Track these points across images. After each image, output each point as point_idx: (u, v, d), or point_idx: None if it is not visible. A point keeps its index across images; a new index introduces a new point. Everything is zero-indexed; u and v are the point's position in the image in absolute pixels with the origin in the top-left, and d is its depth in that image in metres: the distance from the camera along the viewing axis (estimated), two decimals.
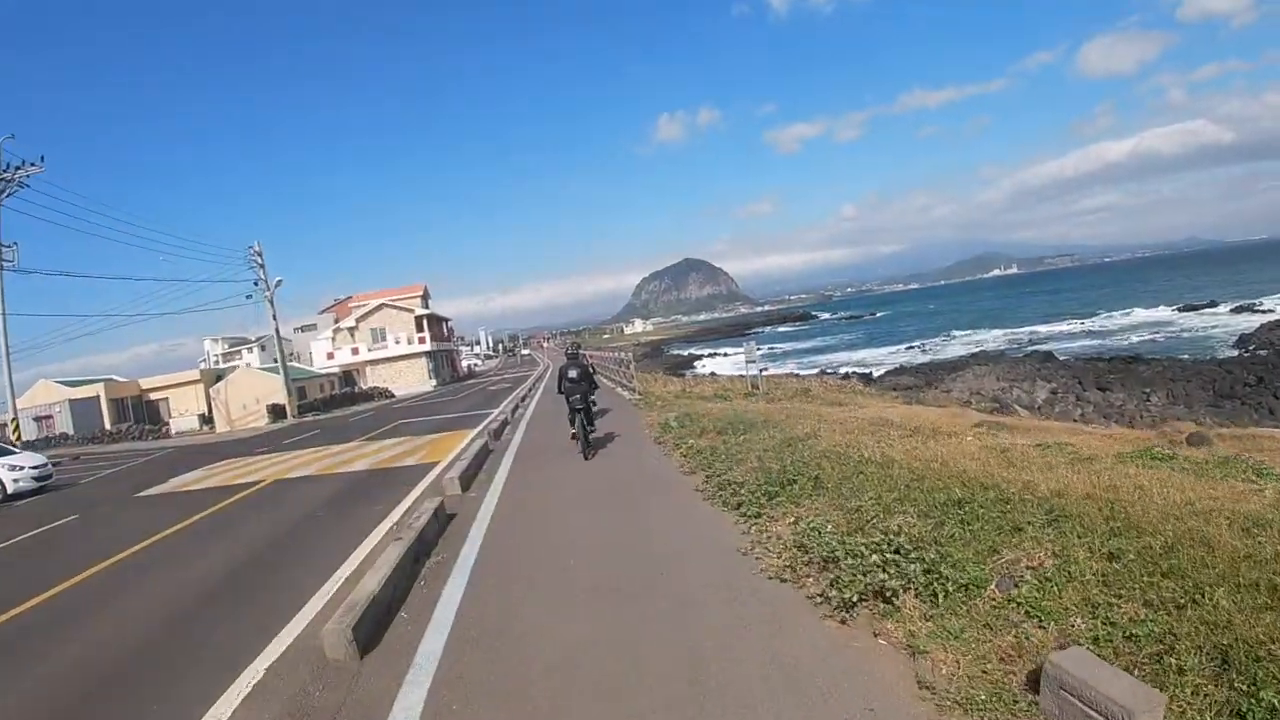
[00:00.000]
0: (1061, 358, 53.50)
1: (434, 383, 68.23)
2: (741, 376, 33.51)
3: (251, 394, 44.39)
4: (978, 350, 69.29)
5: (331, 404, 50.99)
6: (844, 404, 21.81)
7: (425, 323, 71.71)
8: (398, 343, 69.56)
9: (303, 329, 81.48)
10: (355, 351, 69.44)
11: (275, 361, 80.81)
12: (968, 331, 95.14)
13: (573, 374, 14.26)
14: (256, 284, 43.65)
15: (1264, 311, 69.55)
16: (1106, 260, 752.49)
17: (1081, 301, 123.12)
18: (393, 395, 59.14)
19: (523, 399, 31.53)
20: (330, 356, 69.38)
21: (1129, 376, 39.25)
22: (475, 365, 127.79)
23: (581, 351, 18.49)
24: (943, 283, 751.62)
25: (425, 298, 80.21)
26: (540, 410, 25.39)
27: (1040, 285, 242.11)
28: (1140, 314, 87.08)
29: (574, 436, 14.28)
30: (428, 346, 69.63)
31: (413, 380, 67.71)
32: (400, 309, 71.97)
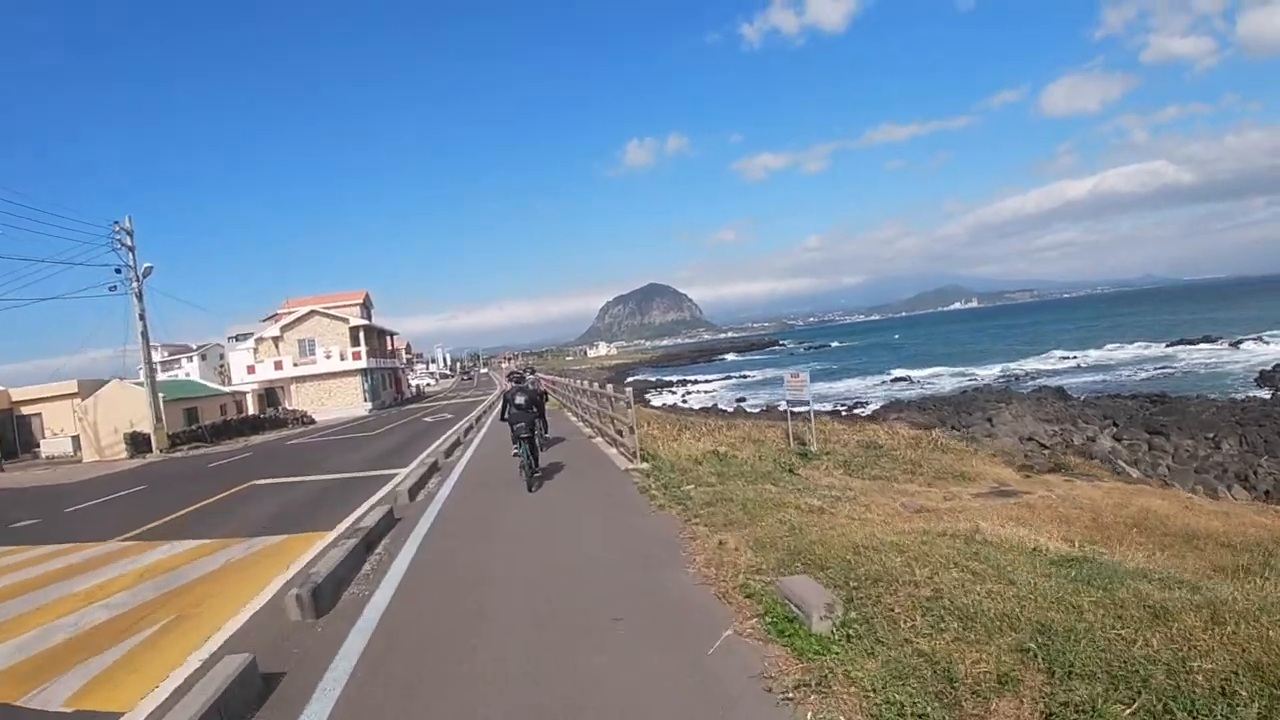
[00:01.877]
0: (1076, 395, 49.62)
1: (369, 405, 60.20)
2: (733, 410, 26.85)
3: (125, 415, 35.51)
4: (970, 384, 66.91)
5: (224, 432, 42.03)
6: (967, 475, 14.65)
7: (362, 335, 63.35)
8: (328, 357, 60.56)
9: (238, 338, 72.50)
10: (279, 366, 60.29)
11: (217, 373, 72.73)
12: (949, 366, 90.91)
13: (519, 400, 13.67)
14: (120, 270, 35.13)
15: (1266, 344, 70.81)
16: (1066, 296, 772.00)
17: (1061, 335, 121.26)
18: (313, 421, 51.11)
19: (466, 432, 25.56)
20: (251, 370, 60.61)
21: (1178, 418, 34.95)
22: (428, 385, 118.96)
23: (532, 376, 18.15)
24: (904, 314, 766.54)
25: (366, 306, 71.89)
26: (483, 453, 19.44)
27: (1006, 319, 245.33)
28: (1133, 349, 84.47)
29: (521, 468, 13.52)
30: (363, 363, 60.87)
31: (344, 401, 59.55)
32: (333, 317, 62.60)
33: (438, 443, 23.71)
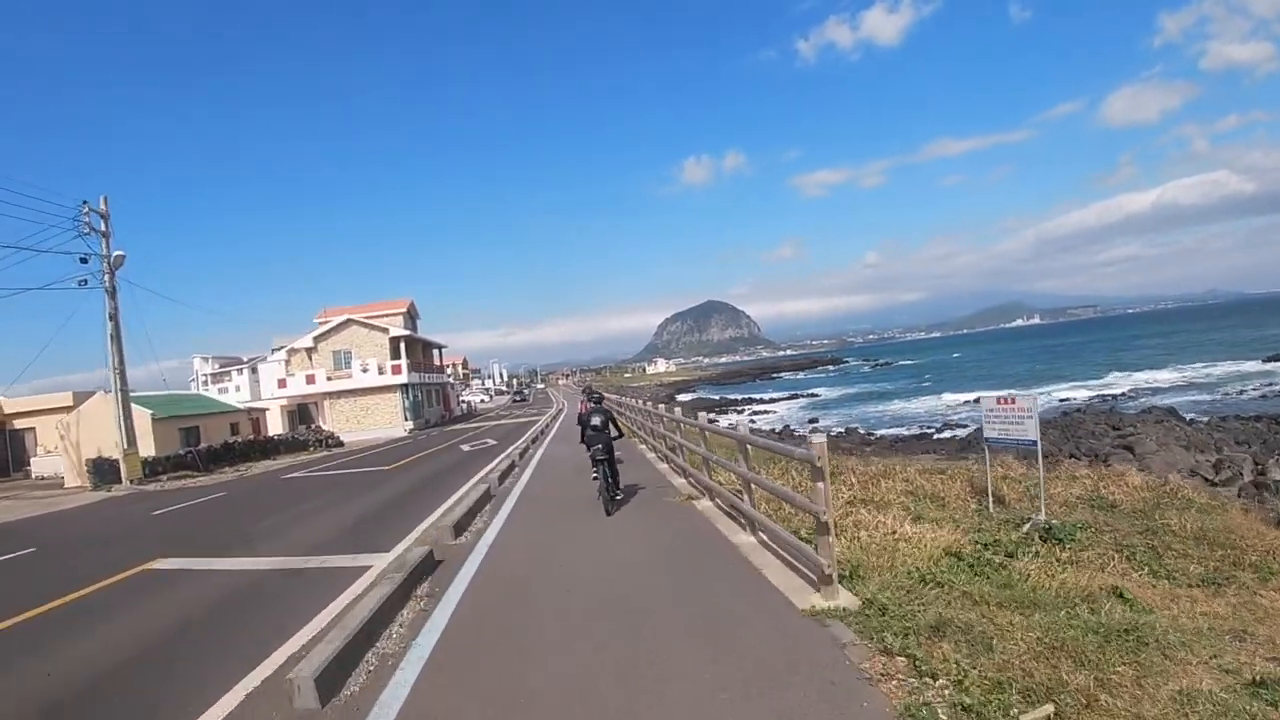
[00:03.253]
0: (1190, 416, 42.86)
1: (410, 425, 54.59)
2: (807, 430, 20.74)
3: (111, 433, 30.52)
4: (1062, 404, 60.08)
5: (224, 456, 35.31)
6: None
7: (403, 347, 57.65)
8: (365, 370, 55.01)
9: (284, 350, 68.05)
10: (310, 380, 54.84)
11: (258, 385, 68.10)
12: (1029, 385, 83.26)
13: (595, 422, 13.12)
14: (87, 259, 29.07)
15: None
16: (1130, 311, 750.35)
17: (1137, 353, 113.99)
18: (340, 443, 45.22)
19: (505, 475, 19.24)
20: (282, 385, 55.59)
21: None
22: (482, 402, 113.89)
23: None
24: (965, 331, 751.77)
25: (412, 317, 66.22)
26: (530, 518, 13.07)
27: (1074, 335, 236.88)
28: (1226, 366, 77.29)
29: (599, 492, 12.89)
30: (403, 378, 55.07)
31: (383, 420, 54.26)
32: (372, 327, 57.78)
33: (463, 490, 17.91)
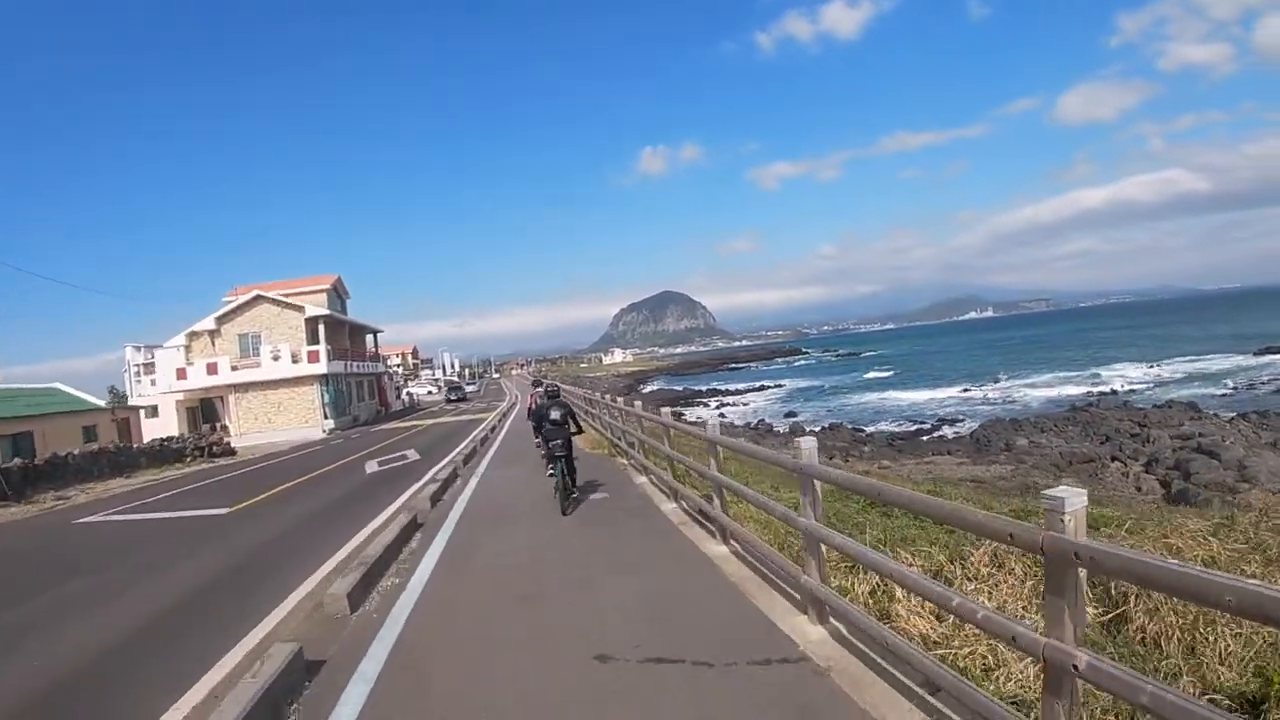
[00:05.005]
0: (1213, 410, 40.70)
1: (331, 424, 46.10)
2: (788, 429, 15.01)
3: None
4: (1058, 398, 58.17)
5: (51, 476, 25.34)
6: None
7: (323, 329, 48.17)
8: (276, 358, 45.73)
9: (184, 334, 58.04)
10: (212, 369, 45.45)
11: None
12: (1018, 375, 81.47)
13: (554, 415, 12.86)
14: None
15: None
16: (1082, 305, 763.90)
17: (1109, 344, 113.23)
18: (233, 451, 36.17)
19: (398, 539, 11.35)
20: (182, 375, 46.07)
21: None
22: (428, 394, 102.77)
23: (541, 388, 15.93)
24: (919, 323, 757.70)
25: (338, 295, 57.08)
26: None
27: (1031, 328, 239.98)
28: (1223, 360, 74.38)
29: (556, 489, 12.51)
30: (321, 367, 45.73)
31: (297, 417, 45.67)
32: (285, 305, 48.30)
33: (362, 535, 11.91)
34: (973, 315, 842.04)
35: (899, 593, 5.97)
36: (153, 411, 47.86)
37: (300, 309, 47.78)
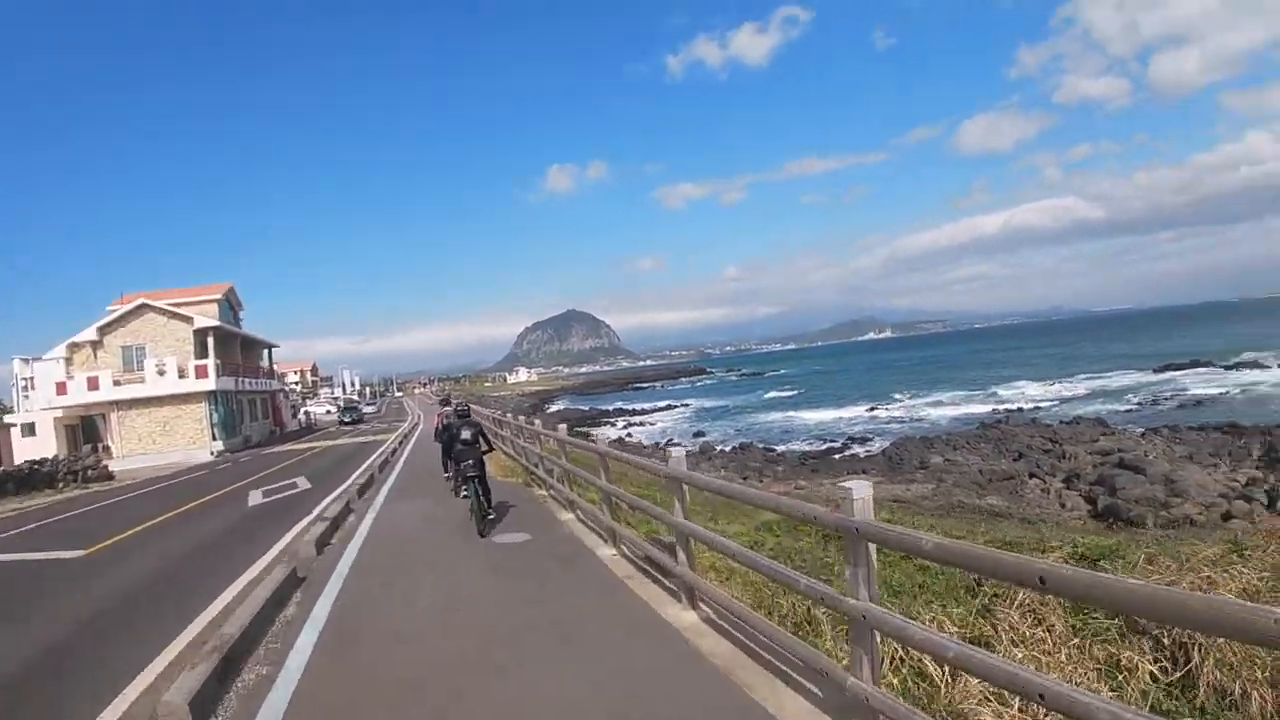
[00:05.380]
0: (1119, 425, 41.75)
1: (220, 445, 42.89)
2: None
3: None
4: (965, 415, 59.64)
5: None
6: None
7: (212, 341, 44.95)
8: (162, 372, 42.42)
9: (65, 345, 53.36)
10: (93, 384, 41.81)
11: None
12: (921, 394, 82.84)
13: (466, 435, 12.90)
14: None
15: (1267, 368, 68.69)
16: (977, 326, 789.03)
17: (1007, 363, 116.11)
18: (110, 475, 33.16)
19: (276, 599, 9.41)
20: (62, 390, 42.27)
21: None
22: (326, 413, 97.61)
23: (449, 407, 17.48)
24: (820, 344, 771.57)
25: (231, 306, 53.93)
26: None
27: (930, 348, 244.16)
28: (1130, 376, 76.77)
29: (470, 511, 12.38)
30: (210, 383, 42.62)
31: (185, 438, 42.58)
32: (173, 315, 45.02)
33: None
34: (872, 336, 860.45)
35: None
36: (29, 430, 43.90)
37: (189, 320, 44.72)
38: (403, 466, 24.75)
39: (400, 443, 34.55)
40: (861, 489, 4.25)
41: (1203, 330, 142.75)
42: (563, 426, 13.43)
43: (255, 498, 20.69)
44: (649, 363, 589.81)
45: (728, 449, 48.21)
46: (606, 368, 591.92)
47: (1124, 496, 22.60)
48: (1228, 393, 56.10)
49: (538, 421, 18.53)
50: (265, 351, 61.43)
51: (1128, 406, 55.33)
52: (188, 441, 42.15)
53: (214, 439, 42.97)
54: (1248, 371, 68.12)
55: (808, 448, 48.81)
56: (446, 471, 17.53)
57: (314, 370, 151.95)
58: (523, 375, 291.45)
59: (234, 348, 50.81)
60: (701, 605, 7.06)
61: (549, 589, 8.46)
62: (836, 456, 42.57)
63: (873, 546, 4.21)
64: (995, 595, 5.92)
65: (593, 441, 11.64)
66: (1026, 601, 5.45)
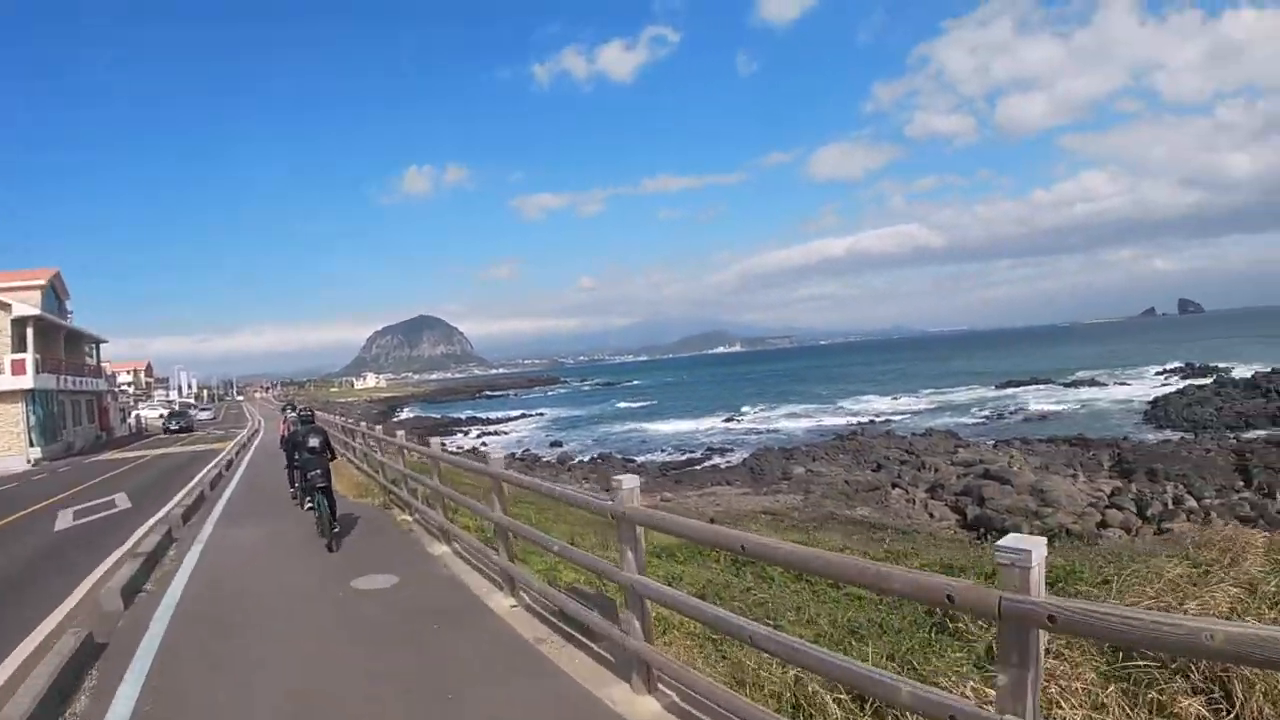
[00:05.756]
0: (969, 437, 44.14)
1: (38, 453, 38.21)
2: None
3: None
4: (820, 426, 61.74)
5: None
6: None
7: (32, 333, 38.94)
8: None
9: None
10: None
11: None
12: (772, 406, 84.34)
13: (313, 443, 12.11)
14: None
15: (1104, 385, 73.86)
16: (822, 343, 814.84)
17: (853, 379, 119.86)
18: None
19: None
20: None
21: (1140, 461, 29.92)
22: (159, 418, 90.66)
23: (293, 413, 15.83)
24: (672, 355, 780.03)
25: (55, 294, 48.48)
26: None
27: (778, 362, 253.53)
28: (975, 391, 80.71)
29: (317, 523, 11.80)
30: (28, 380, 37.90)
31: None
32: None
33: None
34: (722, 349, 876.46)
35: None
36: None
37: (6, 307, 39.52)
38: (240, 481, 21.98)
39: (238, 452, 31.64)
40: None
41: (1037, 351, 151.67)
42: (435, 439, 11.88)
43: (64, 519, 17.39)
44: (502, 371, 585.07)
45: (586, 459, 47.77)
46: (459, 375, 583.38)
47: (993, 506, 23.11)
48: (1069, 408, 59.05)
49: (400, 433, 15.50)
50: (93, 347, 56.43)
51: (975, 420, 57.63)
52: (1, 447, 38.00)
53: (31, 445, 38.52)
54: (1086, 389, 72.23)
55: (667, 458, 49.07)
56: (293, 486, 15.53)
57: (149, 370, 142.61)
58: (371, 381, 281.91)
59: (57, 342, 45.84)
60: (661, 687, 5.37)
61: (437, 665, 6.34)
62: (698, 467, 42.79)
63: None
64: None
65: (481, 460, 8.90)
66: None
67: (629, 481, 5.25)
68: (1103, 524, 20.65)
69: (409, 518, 13.41)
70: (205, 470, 24.90)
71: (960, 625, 5.69)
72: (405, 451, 14.31)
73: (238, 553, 11.65)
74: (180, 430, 60.14)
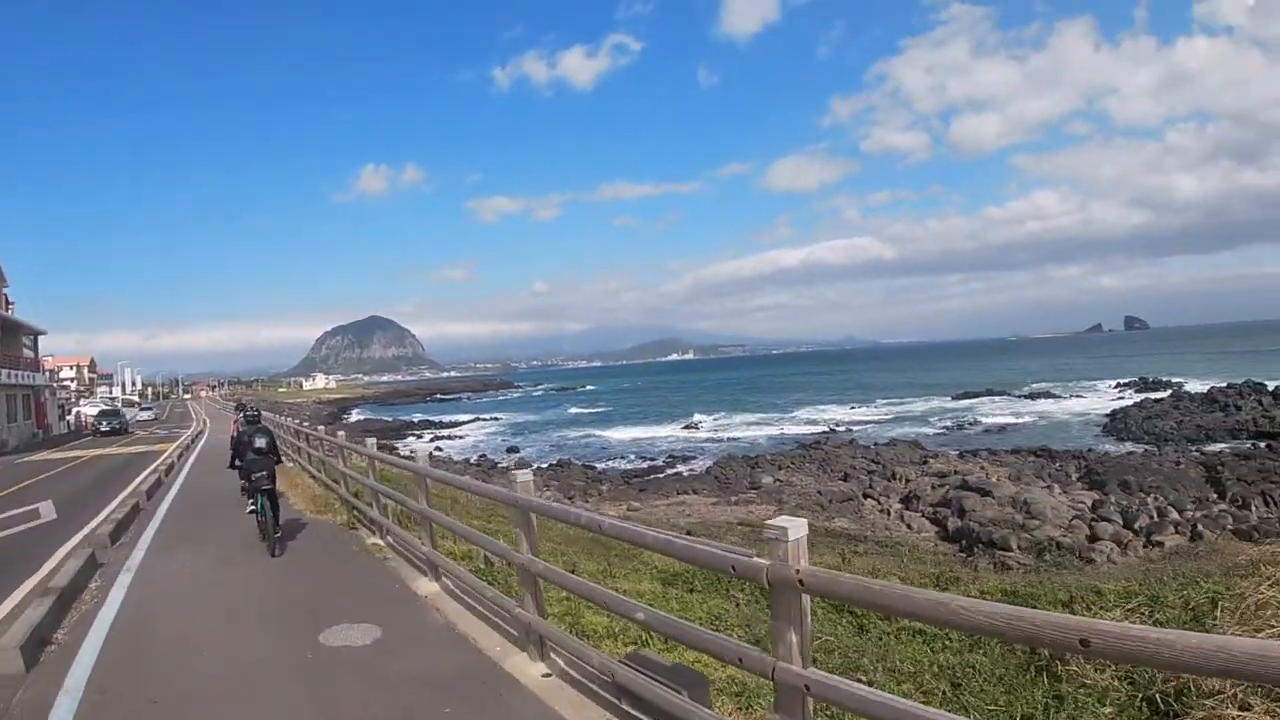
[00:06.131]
0: (934, 448, 43.64)
1: None
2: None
3: None
4: (781, 435, 61.24)
5: None
6: None
7: None
8: None
9: None
10: None
11: None
12: (730, 413, 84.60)
13: (260, 444, 11.74)
14: None
15: (1058, 397, 74.76)
16: (775, 352, 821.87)
17: (809, 388, 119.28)
18: None
19: None
20: None
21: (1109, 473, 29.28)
22: (96, 416, 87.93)
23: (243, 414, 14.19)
24: (625, 362, 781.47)
25: None
26: None
27: (731, 370, 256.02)
28: (932, 401, 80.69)
29: (260, 526, 11.29)
30: None
31: None
32: None
33: None
34: (675, 357, 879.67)
35: None
36: None
37: None
38: (180, 490, 19.35)
39: (180, 455, 29.84)
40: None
41: (988, 364, 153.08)
42: (421, 452, 9.19)
43: None
44: (454, 374, 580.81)
45: (544, 466, 46.58)
46: (409, 377, 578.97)
47: (976, 519, 22.41)
48: (1028, 420, 59.12)
49: (371, 440, 12.68)
50: (31, 339, 54.15)
51: (935, 430, 57.17)
52: None
53: None
54: (1042, 401, 72.48)
55: (629, 466, 48.17)
56: (248, 497, 12.64)
57: (92, 366, 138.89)
58: (320, 382, 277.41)
59: None
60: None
61: None
62: (661, 475, 41.84)
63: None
64: None
65: (505, 484, 7.12)
66: None
67: (795, 527, 4.10)
68: (1092, 537, 20.01)
69: (380, 541, 11.34)
70: (142, 476, 22.86)
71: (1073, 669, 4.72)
72: (375, 463, 11.82)
73: (173, 589, 9.34)
74: (113, 432, 52.02)
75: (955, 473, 30.29)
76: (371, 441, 12.56)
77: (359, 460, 13.46)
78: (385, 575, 9.57)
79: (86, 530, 13.85)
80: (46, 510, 17.43)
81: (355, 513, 13.03)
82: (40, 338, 57.72)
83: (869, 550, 19.69)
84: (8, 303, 50.96)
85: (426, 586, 8.70)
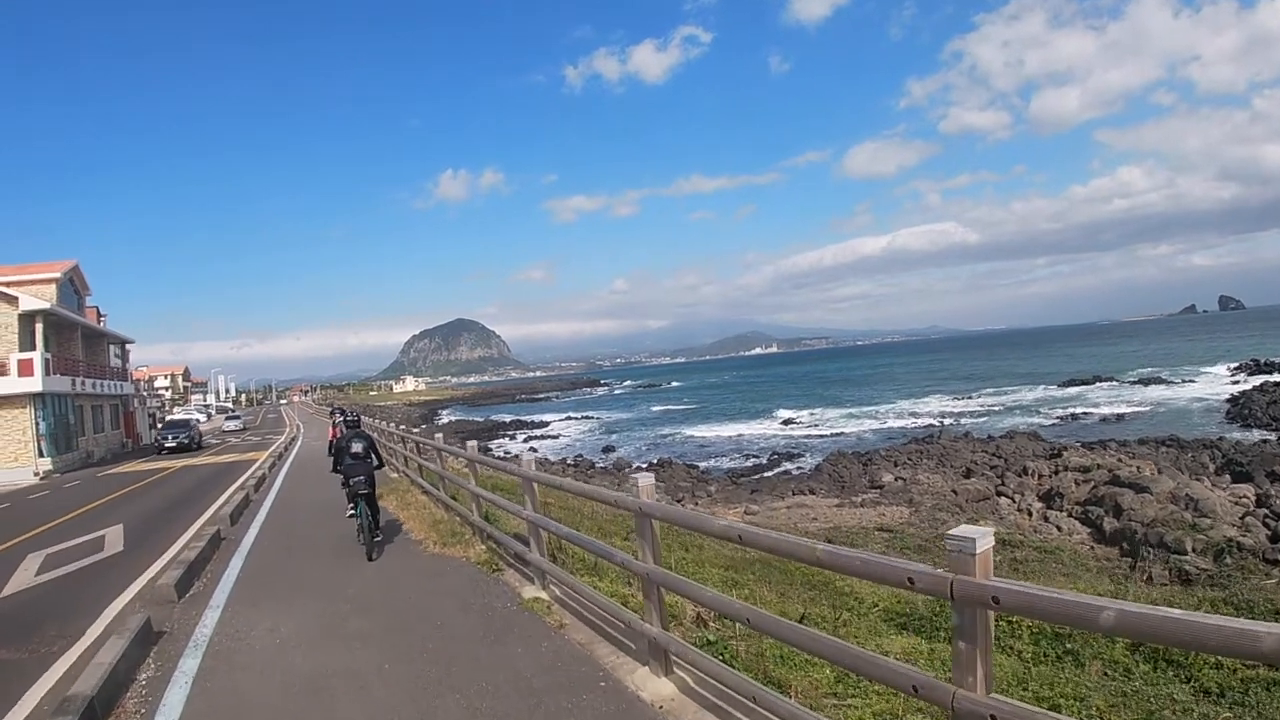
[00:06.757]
0: (1052, 438, 40.39)
1: (48, 463, 33.95)
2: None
3: None
4: (883, 428, 59.25)
5: None
6: None
7: (42, 330, 34.87)
8: None
9: None
10: None
11: None
12: (830, 406, 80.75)
13: (356, 449, 11.65)
14: None
15: (1175, 384, 69.53)
16: (859, 343, 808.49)
17: (905, 380, 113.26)
18: None
19: None
20: None
21: (1249, 463, 26.91)
22: (196, 423, 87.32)
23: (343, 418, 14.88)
24: (708, 358, 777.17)
25: (74, 288, 43.82)
26: None
27: (813, 363, 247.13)
28: (1026, 391, 77.40)
29: (359, 530, 11.12)
30: (36, 383, 33.30)
31: (2, 453, 33.51)
32: None
33: None
34: (758, 351, 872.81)
35: None
36: None
37: (13, 300, 34.95)
38: (270, 511, 16.52)
39: (272, 466, 27.31)
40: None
41: (1082, 350, 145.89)
42: (647, 477, 5.15)
43: (23, 573, 11.87)
44: (539, 374, 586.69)
45: (643, 466, 44.04)
46: (496, 378, 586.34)
47: (1135, 518, 19.26)
48: (1144, 408, 55.40)
49: (531, 459, 9.15)
50: (120, 349, 53.12)
51: (1049, 421, 54.13)
52: (7, 457, 33.80)
53: (40, 455, 34.41)
54: (1154, 387, 68.52)
55: (732, 464, 45.53)
56: (353, 510, 11.19)
57: (186, 374, 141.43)
58: (409, 384, 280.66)
59: (73, 340, 41.95)
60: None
61: None
62: (769, 474, 39.22)
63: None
64: None
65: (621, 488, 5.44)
66: None
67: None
68: (1274, 537, 16.92)
69: (542, 594, 8.00)
70: (228, 494, 20.07)
71: None
72: (534, 487, 8.23)
73: (258, 685, 6.17)
74: (180, 449, 42.35)
75: (1099, 466, 26.52)
76: (530, 461, 8.74)
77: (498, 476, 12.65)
78: (566, 658, 6.20)
79: (155, 569, 11.16)
80: (114, 539, 14.75)
81: (492, 542, 10.51)
82: (133, 348, 56.96)
83: (1028, 557, 17.48)
84: (100, 315, 50.13)
85: (652, 684, 5.39)
